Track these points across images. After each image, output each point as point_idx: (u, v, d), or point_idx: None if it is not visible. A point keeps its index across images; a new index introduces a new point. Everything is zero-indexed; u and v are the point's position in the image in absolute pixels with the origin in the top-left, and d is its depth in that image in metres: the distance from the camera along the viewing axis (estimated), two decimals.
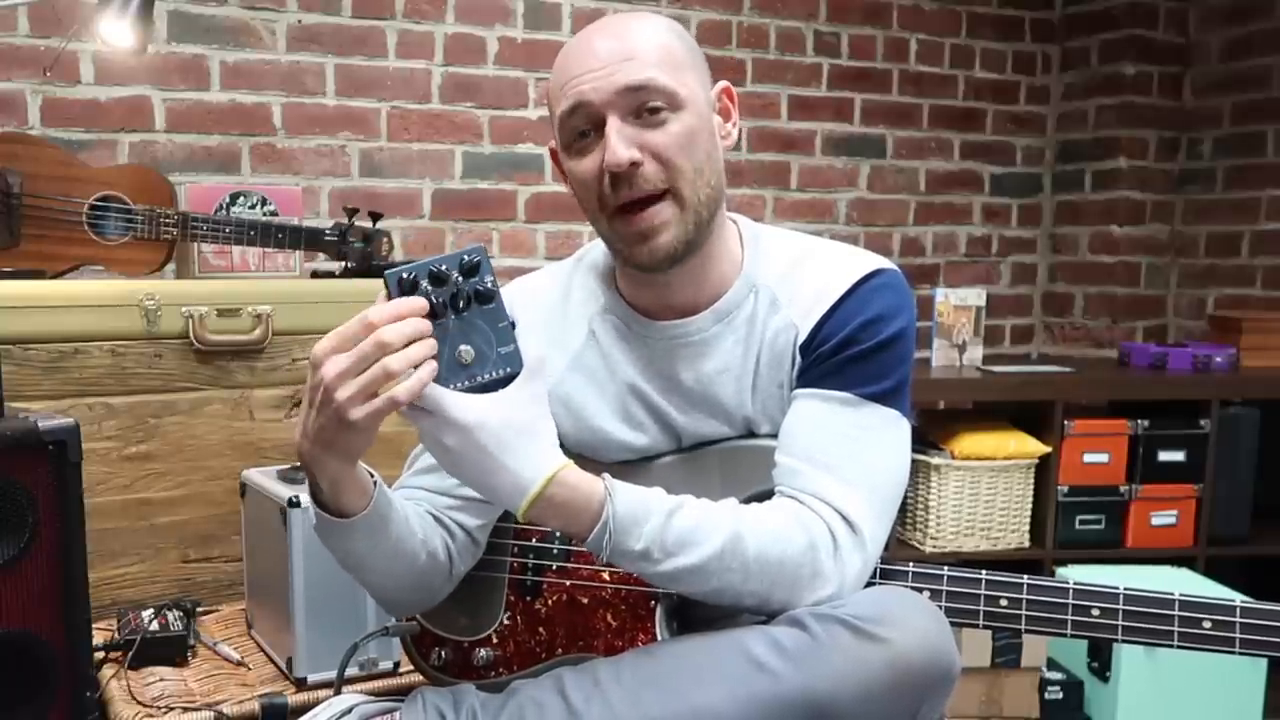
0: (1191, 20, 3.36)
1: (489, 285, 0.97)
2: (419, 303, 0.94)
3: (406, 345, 0.92)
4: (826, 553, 1.02)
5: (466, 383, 0.96)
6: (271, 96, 2.62)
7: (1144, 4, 3.29)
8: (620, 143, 1.05)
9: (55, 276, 1.93)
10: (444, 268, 0.96)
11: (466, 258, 0.96)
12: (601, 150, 1.07)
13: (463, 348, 0.95)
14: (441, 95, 2.78)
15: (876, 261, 1.16)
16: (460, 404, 0.94)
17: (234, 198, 2.06)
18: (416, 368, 0.92)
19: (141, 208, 1.97)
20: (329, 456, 0.97)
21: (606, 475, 1.01)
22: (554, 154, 1.17)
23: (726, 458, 1.17)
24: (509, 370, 0.97)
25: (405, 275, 0.95)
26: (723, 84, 1.16)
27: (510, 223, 2.90)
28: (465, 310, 0.96)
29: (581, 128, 1.09)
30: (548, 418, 1.00)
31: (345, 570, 1.12)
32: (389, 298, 0.94)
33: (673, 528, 1.00)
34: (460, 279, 0.96)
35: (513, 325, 0.99)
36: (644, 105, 1.06)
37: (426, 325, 0.94)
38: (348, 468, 1.00)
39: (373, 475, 1.05)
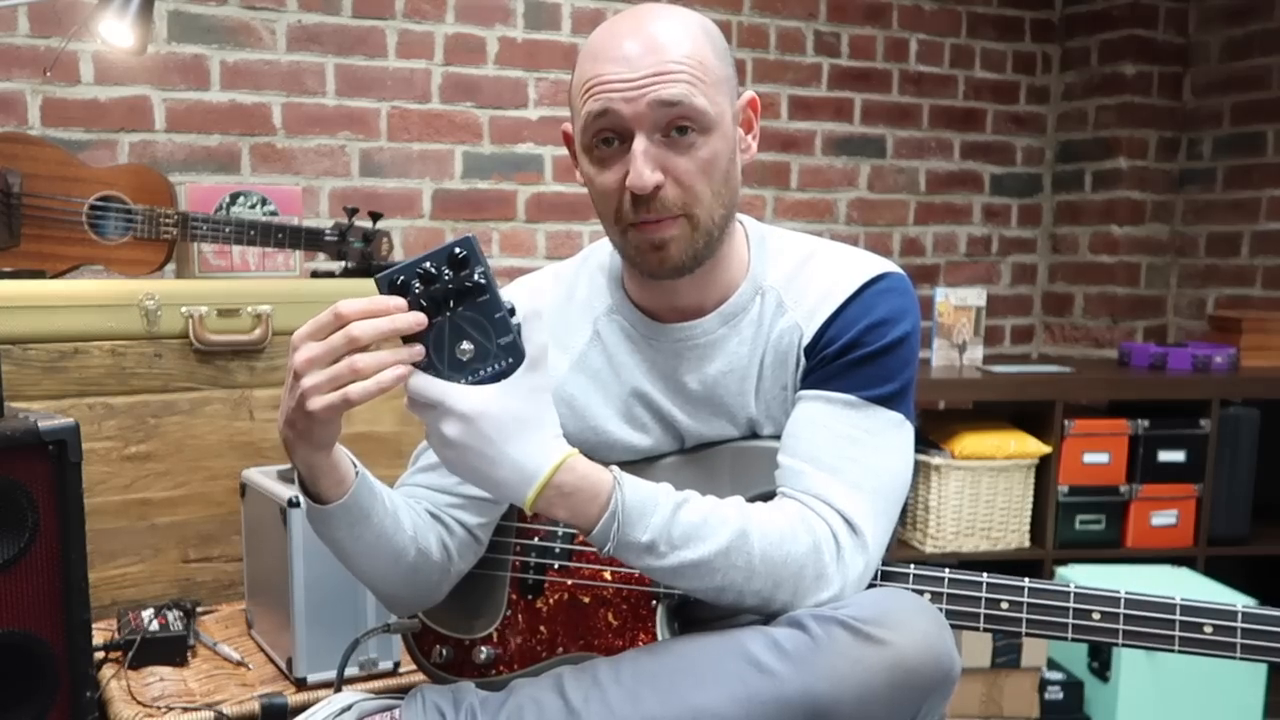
0: (1191, 20, 3.36)
1: (480, 278, 0.95)
2: (396, 301, 0.94)
3: (379, 340, 0.92)
4: (829, 555, 1.02)
5: (470, 378, 0.95)
6: (271, 96, 2.62)
7: (1144, 4, 3.29)
8: (646, 165, 1.04)
9: (55, 276, 1.92)
10: (432, 265, 0.95)
11: (456, 250, 0.95)
12: (625, 165, 1.05)
13: (462, 344, 0.95)
14: (441, 95, 2.78)
15: (883, 264, 1.16)
16: (462, 394, 0.94)
17: (234, 198, 2.06)
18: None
19: (141, 208, 1.97)
20: (299, 442, 0.98)
21: (614, 467, 1.01)
22: (567, 138, 1.15)
23: (729, 458, 1.17)
24: (510, 361, 0.96)
25: (396, 278, 0.94)
26: (749, 95, 1.13)
27: (510, 223, 2.89)
28: (460, 305, 0.95)
29: (607, 134, 1.07)
30: (551, 408, 0.99)
31: (347, 567, 1.12)
32: None
33: (680, 521, 0.99)
34: (450, 274, 0.95)
35: (511, 312, 0.97)
36: (673, 124, 1.05)
37: (405, 323, 0.93)
38: (320, 454, 1.00)
39: (356, 467, 1.05)
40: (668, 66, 1.04)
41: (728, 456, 1.18)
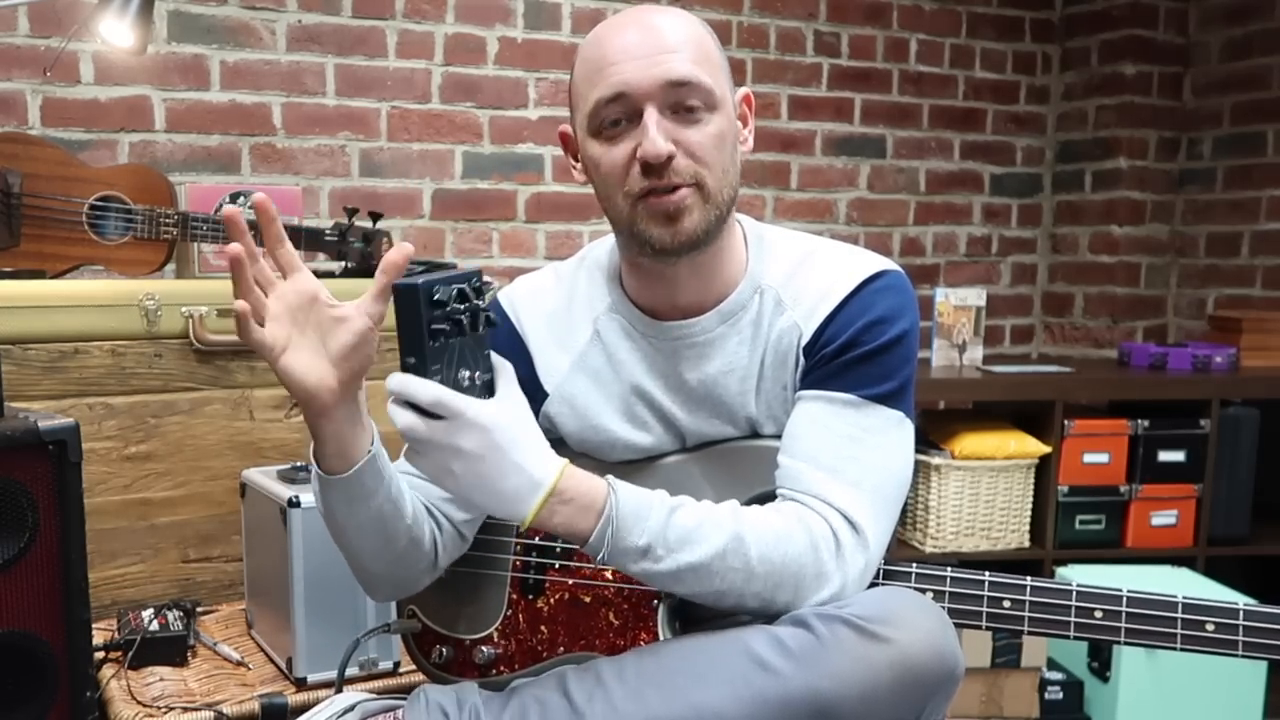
0: (1191, 20, 3.36)
1: (492, 314, 0.98)
2: None
3: None
4: (829, 553, 1.02)
5: None
6: (271, 96, 2.61)
7: (1144, 4, 3.29)
8: (659, 135, 1.06)
9: (55, 276, 1.92)
10: (463, 287, 0.95)
11: (473, 280, 0.96)
12: (635, 139, 1.07)
13: (462, 371, 0.95)
14: (441, 95, 2.78)
15: (880, 263, 1.16)
16: (478, 406, 0.94)
17: (234, 198, 2.06)
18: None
19: (141, 208, 1.97)
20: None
21: (609, 475, 1.02)
22: (565, 138, 1.17)
23: (731, 458, 1.17)
24: (488, 396, 0.98)
25: (435, 290, 0.92)
26: (744, 91, 1.17)
27: (510, 223, 2.89)
28: (473, 331, 0.96)
29: (615, 116, 1.08)
30: (535, 423, 1.02)
31: (332, 535, 1.12)
32: (416, 310, 0.91)
33: (675, 524, 1.00)
34: (476, 301, 0.96)
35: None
36: (683, 102, 1.07)
37: None
38: (321, 421, 1.01)
39: (372, 449, 1.05)
40: (672, 46, 1.07)
41: (730, 456, 1.18)
